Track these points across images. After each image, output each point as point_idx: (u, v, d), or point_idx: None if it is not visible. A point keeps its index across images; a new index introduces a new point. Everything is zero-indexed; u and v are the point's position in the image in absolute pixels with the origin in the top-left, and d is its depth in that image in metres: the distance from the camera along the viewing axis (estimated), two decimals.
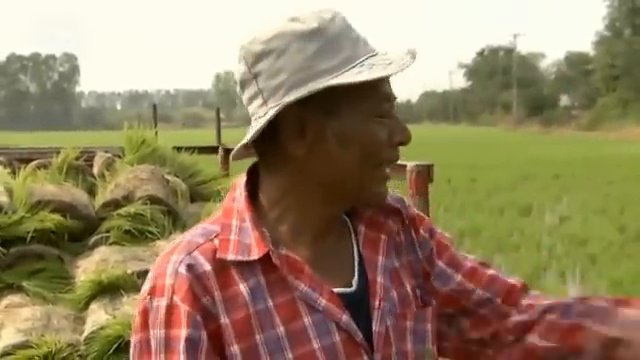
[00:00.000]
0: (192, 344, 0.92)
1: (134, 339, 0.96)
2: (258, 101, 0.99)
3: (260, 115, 0.98)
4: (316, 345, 0.96)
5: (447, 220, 12.15)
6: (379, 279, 1.05)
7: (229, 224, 1.00)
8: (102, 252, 3.36)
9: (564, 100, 77.94)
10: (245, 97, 1.01)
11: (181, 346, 0.91)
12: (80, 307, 3.02)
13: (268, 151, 1.02)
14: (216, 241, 0.97)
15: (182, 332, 0.91)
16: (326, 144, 0.98)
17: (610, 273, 8.08)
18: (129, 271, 3.08)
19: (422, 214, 1.20)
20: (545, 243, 10.14)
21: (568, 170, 20.43)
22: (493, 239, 10.38)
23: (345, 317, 0.98)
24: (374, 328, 1.02)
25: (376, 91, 0.99)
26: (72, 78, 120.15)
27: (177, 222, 3.73)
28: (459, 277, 1.14)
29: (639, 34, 61.03)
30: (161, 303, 0.94)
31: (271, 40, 0.97)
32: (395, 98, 1.03)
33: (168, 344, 0.92)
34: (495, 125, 73.47)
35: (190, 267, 0.94)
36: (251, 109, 1.01)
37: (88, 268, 3.23)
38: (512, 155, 27.56)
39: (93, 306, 2.96)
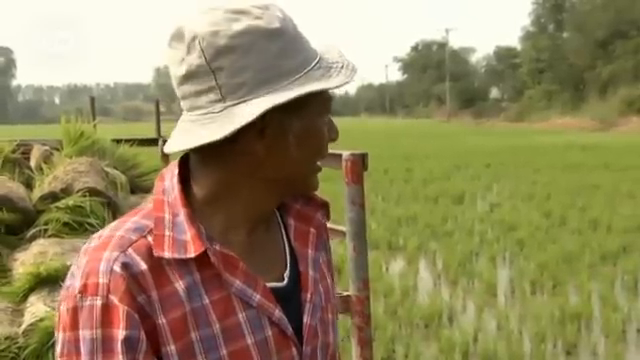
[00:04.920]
0: (131, 344, 0.88)
1: (61, 337, 0.91)
2: (212, 96, 0.93)
3: (214, 110, 0.93)
4: (250, 341, 0.95)
5: (385, 209, 12.32)
6: (310, 272, 1.06)
7: (162, 218, 0.95)
8: (40, 245, 3.26)
9: (494, 93, 79.74)
10: (191, 89, 0.94)
11: (120, 346, 0.88)
12: (18, 300, 2.93)
13: (212, 146, 0.93)
14: (150, 237, 0.93)
15: (120, 332, 0.88)
16: (285, 143, 0.97)
17: (537, 257, 8.35)
18: (68, 263, 3.00)
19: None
20: (477, 229, 10.38)
21: (498, 159, 20.97)
22: (428, 226, 10.57)
23: (277, 312, 0.98)
24: (305, 321, 1.03)
25: (325, 92, 0.99)
26: (8, 72, 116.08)
27: (117, 214, 3.65)
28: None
29: (562, 30, 62.91)
30: (95, 302, 0.89)
31: (237, 36, 0.92)
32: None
33: (106, 344, 0.88)
34: (429, 117, 74.70)
35: (126, 266, 0.90)
36: (197, 102, 0.94)
37: (26, 261, 3.13)
38: (446, 146, 28.09)
39: (32, 298, 2.88)
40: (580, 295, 6.91)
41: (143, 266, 0.91)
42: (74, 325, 0.90)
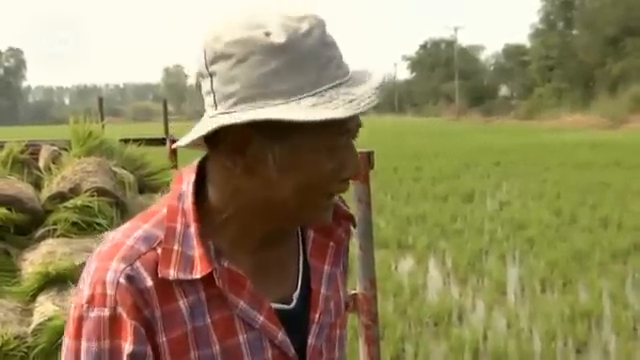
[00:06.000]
0: (138, 358, 0.88)
1: (67, 343, 0.91)
2: (210, 99, 0.92)
3: (210, 115, 0.92)
4: None
5: (394, 207, 12.30)
6: (322, 290, 1.04)
7: (173, 229, 0.93)
8: (49, 245, 3.28)
9: (503, 90, 79.37)
10: (202, 89, 0.94)
11: (126, 359, 0.87)
12: (27, 299, 2.94)
13: (213, 155, 0.96)
14: (159, 250, 0.91)
15: (128, 346, 0.87)
16: (265, 167, 0.91)
17: (547, 255, 8.31)
18: (77, 263, 3.01)
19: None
20: (486, 228, 10.35)
21: (508, 158, 20.89)
22: (438, 225, 10.54)
23: (281, 335, 0.97)
24: (310, 342, 1.01)
25: (333, 125, 0.88)
26: (18, 73, 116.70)
27: (125, 213, 3.66)
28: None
29: (572, 27, 62.59)
30: (103, 313, 0.88)
31: (233, 44, 0.88)
32: (359, 127, 0.96)
33: (114, 356, 0.88)
34: (439, 115, 74.48)
35: (132, 279, 0.88)
36: (205, 102, 0.94)
37: (35, 261, 3.15)
38: (455, 144, 28.01)
39: (40, 298, 2.89)
40: (590, 293, 6.88)
41: (149, 282, 0.89)
42: (77, 335, 0.89)
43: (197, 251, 0.92)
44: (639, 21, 49.61)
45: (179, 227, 0.93)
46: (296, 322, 1.00)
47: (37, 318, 2.73)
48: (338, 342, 1.09)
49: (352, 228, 1.12)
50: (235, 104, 0.89)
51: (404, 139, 32.46)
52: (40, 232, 3.46)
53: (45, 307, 2.79)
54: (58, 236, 3.40)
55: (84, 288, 0.91)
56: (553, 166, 18.26)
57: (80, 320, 0.89)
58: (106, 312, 0.88)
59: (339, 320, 1.09)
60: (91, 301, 0.89)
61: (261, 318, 0.95)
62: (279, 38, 0.87)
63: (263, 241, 0.99)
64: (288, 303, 1.00)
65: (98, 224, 3.47)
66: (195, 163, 0.99)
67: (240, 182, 0.94)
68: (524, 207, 12.01)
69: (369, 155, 2.33)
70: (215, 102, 0.91)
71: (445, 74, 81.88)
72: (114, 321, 0.87)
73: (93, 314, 0.88)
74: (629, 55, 49.20)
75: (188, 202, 0.94)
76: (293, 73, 0.87)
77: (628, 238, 9.02)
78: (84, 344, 0.88)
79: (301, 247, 1.05)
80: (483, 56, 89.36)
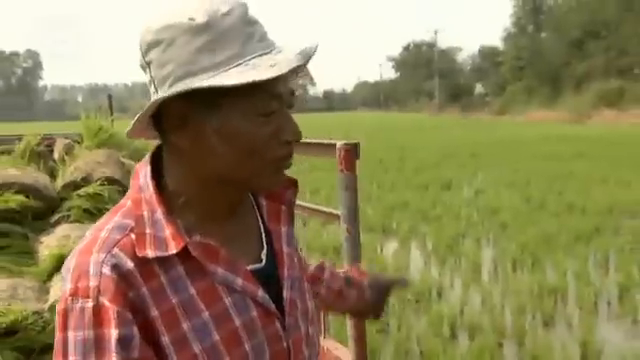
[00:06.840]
0: (125, 342, 0.84)
1: (56, 337, 0.87)
2: (152, 88, 0.92)
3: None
4: (238, 322, 0.93)
5: (379, 195, 12.31)
6: (285, 249, 1.05)
7: (141, 216, 0.91)
8: (63, 229, 3.27)
9: (478, 88, 79.23)
10: (146, 81, 0.94)
11: (114, 345, 0.83)
12: (44, 279, 2.95)
13: (164, 143, 0.95)
14: (132, 235, 0.89)
15: (113, 332, 0.83)
16: (206, 139, 0.90)
17: (518, 237, 8.34)
18: None
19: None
20: (463, 213, 10.36)
21: (483, 150, 20.92)
22: (419, 211, 10.56)
23: (260, 292, 0.96)
24: (285, 296, 1.01)
25: (262, 90, 0.89)
26: (35, 73, 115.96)
27: None
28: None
29: (540, 30, 62.61)
30: (86, 305, 0.84)
31: (161, 31, 0.89)
32: (292, 94, 0.95)
33: (99, 344, 0.83)
34: (420, 111, 74.49)
35: (114, 266, 0.86)
36: (150, 92, 0.93)
37: (51, 244, 3.14)
38: (435, 137, 28.02)
39: (56, 278, 2.89)
40: (557, 272, 6.92)
41: (130, 264, 0.87)
42: (63, 328, 0.86)
43: (167, 230, 0.90)
44: (601, 25, 49.70)
45: (146, 214, 0.91)
46: (270, 279, 1.00)
47: (53, 296, 2.73)
48: (309, 293, 1.10)
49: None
50: (171, 85, 0.89)
51: (389, 133, 32.46)
52: (55, 217, 3.47)
53: (60, 286, 2.78)
54: (72, 221, 3.40)
55: (67, 283, 0.87)
56: (524, 157, 18.31)
57: (65, 313, 0.85)
58: (89, 303, 0.84)
59: (304, 273, 1.10)
60: (75, 294, 0.85)
61: (240, 280, 0.94)
62: (201, 19, 0.88)
63: (227, 212, 0.99)
64: (259, 263, 1.01)
65: (108, 210, 3.47)
66: (147, 157, 0.98)
67: (190, 160, 0.93)
68: (497, 194, 12.03)
69: (355, 146, 2.34)
70: (155, 88, 0.91)
71: (426, 73, 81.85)
72: (97, 311, 0.84)
73: (78, 305, 0.85)
74: (592, 56, 49.31)
75: (149, 191, 0.93)
76: (217, 48, 0.88)
77: (591, 222, 9.07)
78: (70, 335, 0.85)
79: (258, 214, 1.06)
80: (460, 57, 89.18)
